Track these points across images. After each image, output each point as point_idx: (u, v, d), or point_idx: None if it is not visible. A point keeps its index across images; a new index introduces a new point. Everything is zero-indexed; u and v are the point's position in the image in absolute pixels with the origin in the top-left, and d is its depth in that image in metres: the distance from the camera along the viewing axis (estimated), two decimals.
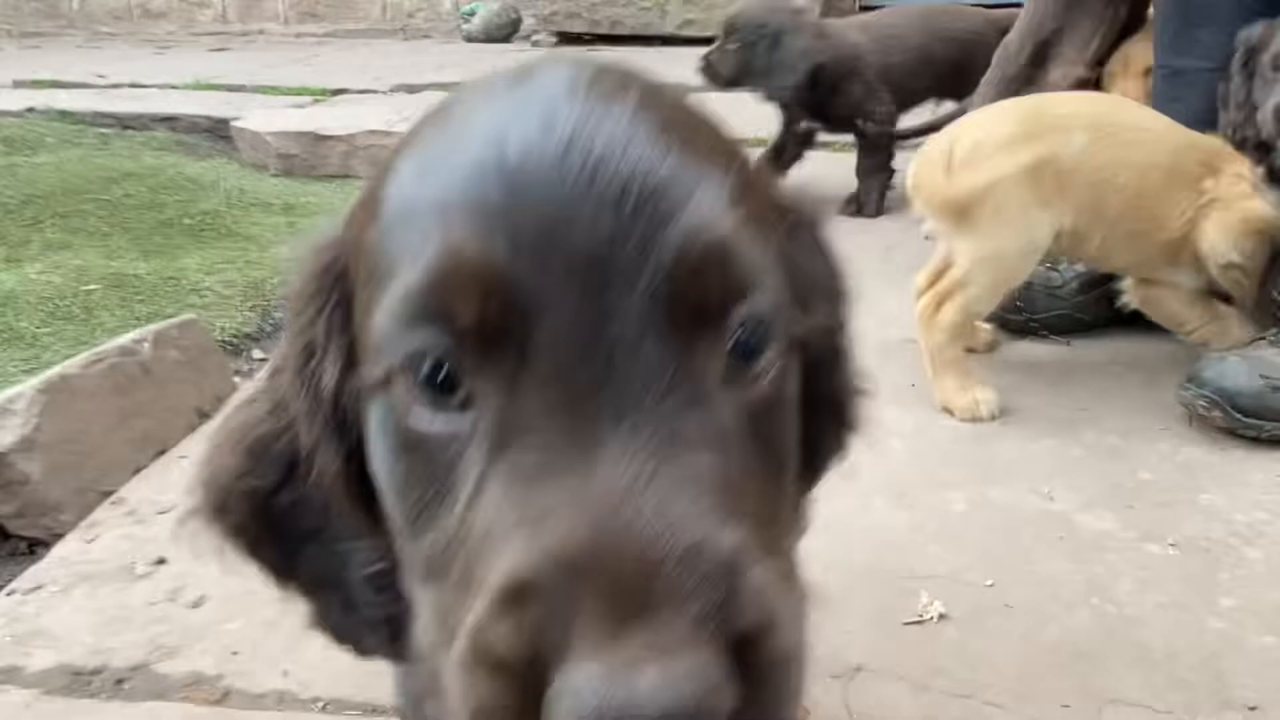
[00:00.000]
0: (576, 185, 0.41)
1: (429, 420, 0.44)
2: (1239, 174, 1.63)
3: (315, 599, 0.59)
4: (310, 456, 0.54)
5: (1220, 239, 1.61)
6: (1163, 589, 1.24)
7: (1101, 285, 1.88)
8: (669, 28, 5.65)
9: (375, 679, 1.12)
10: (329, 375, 0.51)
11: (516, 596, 0.38)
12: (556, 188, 0.41)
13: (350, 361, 0.50)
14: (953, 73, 2.75)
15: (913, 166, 1.75)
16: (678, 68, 4.66)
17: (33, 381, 1.56)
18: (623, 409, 0.40)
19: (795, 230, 0.54)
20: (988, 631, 1.18)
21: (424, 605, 0.47)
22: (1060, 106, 1.77)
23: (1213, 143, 1.71)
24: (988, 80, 2.37)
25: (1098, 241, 1.67)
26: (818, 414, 0.55)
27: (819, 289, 0.55)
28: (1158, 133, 1.70)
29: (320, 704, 1.10)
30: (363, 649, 0.60)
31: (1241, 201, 1.61)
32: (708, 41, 5.47)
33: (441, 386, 0.43)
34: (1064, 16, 2.16)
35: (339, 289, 0.52)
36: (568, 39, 5.81)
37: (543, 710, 0.36)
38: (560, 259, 0.41)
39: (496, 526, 0.40)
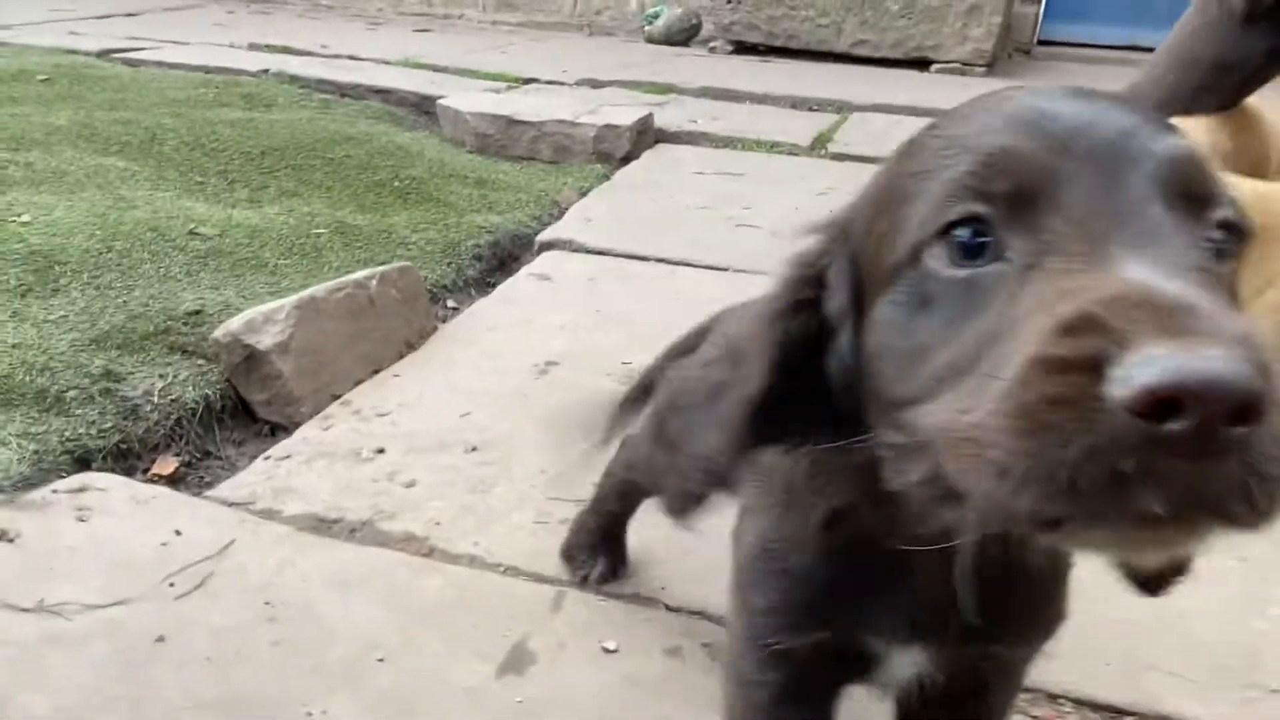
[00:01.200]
0: (1089, 114, 0.55)
1: (960, 270, 0.54)
2: None
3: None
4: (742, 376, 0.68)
5: None
6: (1223, 592, 1.41)
7: None
8: (843, 46, 5.83)
9: (540, 558, 1.42)
10: (838, 299, 0.64)
11: (1073, 324, 0.45)
12: (1074, 116, 0.55)
13: (855, 287, 0.63)
14: None
15: None
16: (850, 83, 4.85)
17: (290, 299, 1.93)
18: (1134, 243, 0.49)
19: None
20: None
21: (922, 419, 0.54)
22: None
23: None
24: None
25: None
26: None
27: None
28: None
29: (501, 569, 1.40)
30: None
31: None
32: (879, 62, 5.68)
33: (973, 245, 0.54)
34: (1199, 99, 2.28)
35: (847, 244, 0.65)
36: (744, 49, 6.07)
37: (1097, 401, 0.42)
38: (1080, 152, 0.53)
39: (1039, 308, 0.48)
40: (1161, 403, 0.40)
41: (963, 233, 0.54)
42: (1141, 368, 0.41)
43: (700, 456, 0.71)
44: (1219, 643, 1.31)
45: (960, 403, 0.50)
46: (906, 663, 0.79)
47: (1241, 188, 1.81)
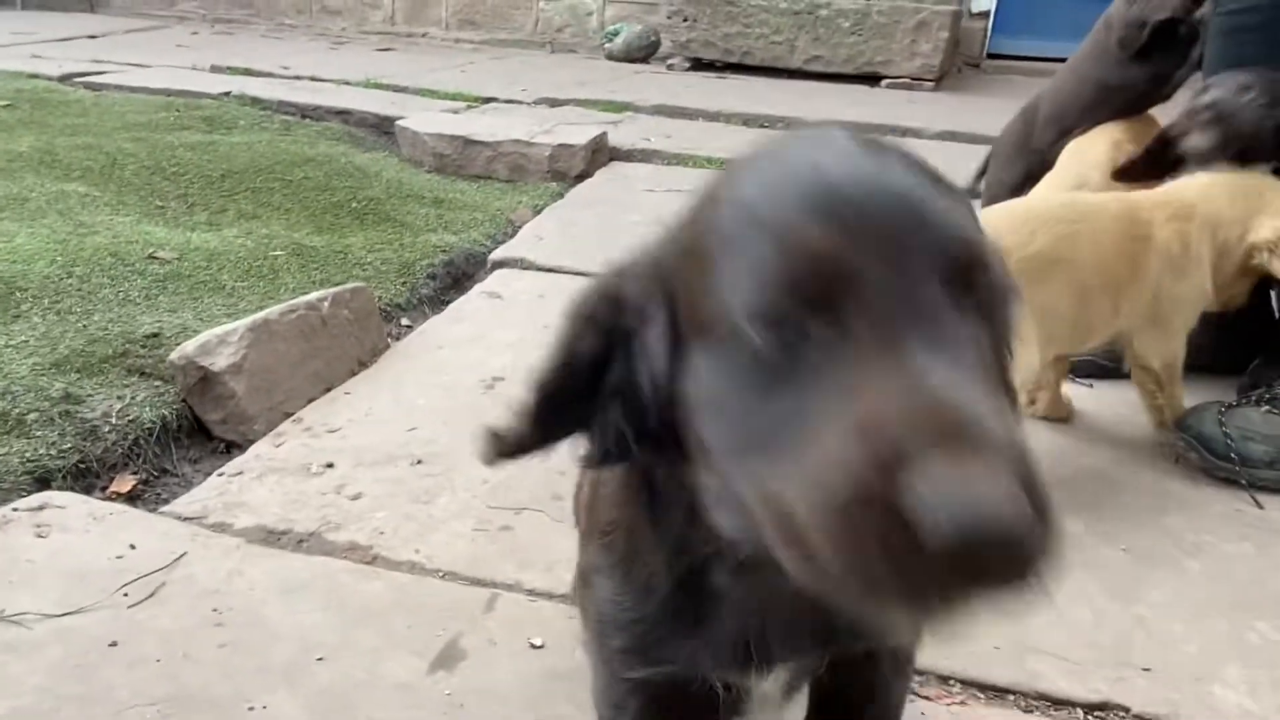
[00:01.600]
0: (881, 201, 0.60)
1: (771, 348, 0.58)
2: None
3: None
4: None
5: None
6: (1105, 579, 1.53)
7: None
8: (796, 62, 5.98)
9: (478, 563, 1.52)
10: (654, 340, 0.68)
11: (872, 444, 0.52)
12: (867, 203, 0.60)
13: (671, 322, 0.67)
14: None
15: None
16: (801, 100, 4.98)
17: (244, 322, 2.02)
18: (923, 338, 0.56)
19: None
20: None
21: (739, 478, 0.61)
22: None
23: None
24: (1006, 150, 2.70)
25: None
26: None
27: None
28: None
29: (440, 574, 1.49)
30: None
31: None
32: (831, 77, 5.82)
33: (783, 329, 0.58)
34: (1089, 115, 2.44)
35: (663, 286, 0.68)
36: (701, 65, 6.21)
37: (900, 502, 0.50)
38: (874, 249, 0.58)
39: (840, 403, 0.55)
40: (962, 549, 0.48)
41: (777, 323, 0.59)
42: (941, 512, 0.48)
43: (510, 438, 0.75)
44: (1100, 626, 1.42)
45: (774, 475, 0.57)
46: (773, 687, 0.83)
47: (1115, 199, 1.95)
